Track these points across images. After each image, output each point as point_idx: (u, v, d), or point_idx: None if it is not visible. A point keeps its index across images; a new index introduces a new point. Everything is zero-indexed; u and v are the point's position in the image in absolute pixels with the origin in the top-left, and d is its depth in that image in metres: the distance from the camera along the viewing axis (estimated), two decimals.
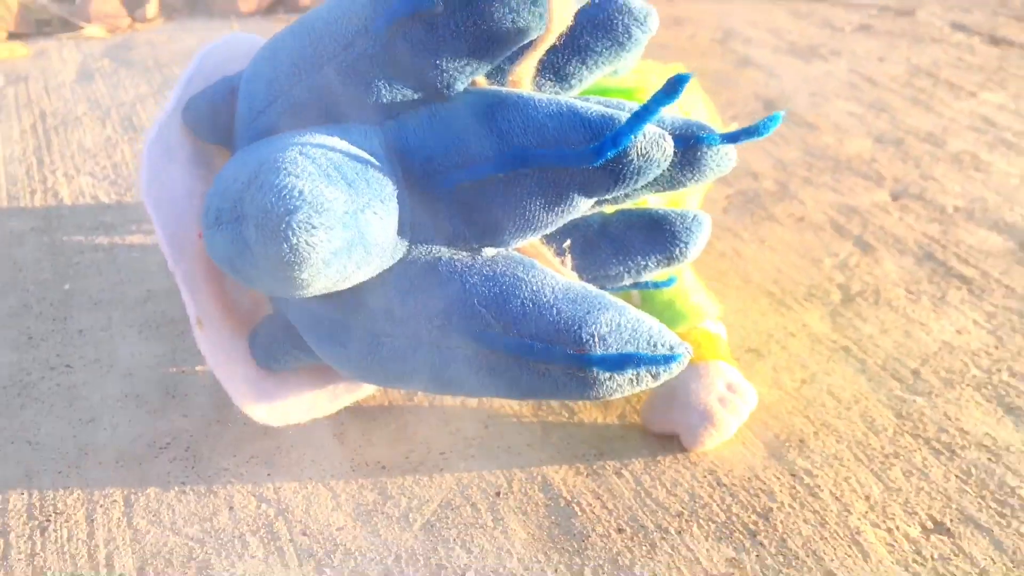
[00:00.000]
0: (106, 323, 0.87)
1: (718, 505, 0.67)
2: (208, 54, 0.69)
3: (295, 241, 0.50)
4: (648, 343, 0.58)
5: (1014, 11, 1.75)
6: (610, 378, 0.57)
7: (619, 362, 0.57)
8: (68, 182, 1.12)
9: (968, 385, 0.79)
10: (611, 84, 0.77)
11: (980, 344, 0.84)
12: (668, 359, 0.57)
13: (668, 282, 0.71)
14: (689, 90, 0.86)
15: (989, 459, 0.71)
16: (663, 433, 0.73)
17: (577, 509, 0.67)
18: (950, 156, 1.19)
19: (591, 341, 0.57)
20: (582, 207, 0.60)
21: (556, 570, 0.62)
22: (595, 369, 0.57)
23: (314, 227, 0.50)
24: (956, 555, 0.63)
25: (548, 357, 0.57)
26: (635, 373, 0.57)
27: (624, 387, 0.58)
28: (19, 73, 1.46)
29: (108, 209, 1.07)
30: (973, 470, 0.70)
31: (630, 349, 0.57)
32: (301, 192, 0.50)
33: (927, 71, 1.47)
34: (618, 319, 0.58)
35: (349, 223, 0.53)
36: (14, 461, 0.71)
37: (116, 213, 1.06)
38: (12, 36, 1.60)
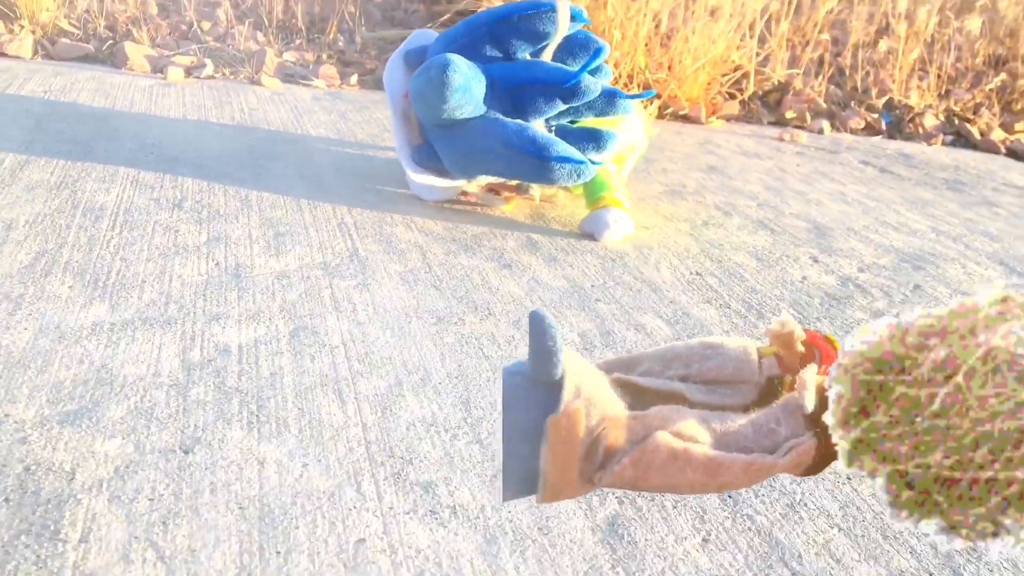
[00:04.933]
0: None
1: (600, 250, 1.50)
2: (415, 35, 1.64)
3: (447, 73, 1.40)
4: (576, 159, 1.45)
5: (912, 162, 2.62)
6: (559, 167, 1.44)
7: (563, 160, 1.44)
8: (314, 129, 2.08)
9: (746, 252, 1.60)
10: (600, 121, 1.67)
11: (761, 244, 1.65)
12: (582, 162, 1.45)
13: (600, 163, 1.58)
14: (637, 110, 1.77)
15: (738, 266, 1.52)
16: (587, 232, 1.57)
17: (539, 241, 1.51)
18: (805, 199, 2.03)
19: (555, 152, 1.44)
20: (560, 107, 1.49)
21: (523, 254, 1.45)
22: (553, 163, 1.44)
23: (454, 72, 1.41)
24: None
25: (536, 156, 1.45)
26: (570, 168, 1.44)
27: (565, 176, 1.46)
28: (278, 92, 2.49)
29: (334, 141, 2.01)
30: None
31: (570, 157, 1.45)
32: (452, 60, 1.42)
33: (823, 173, 2.33)
34: (566, 147, 1.46)
35: (466, 78, 1.43)
36: (288, 187, 1.60)
37: (338, 144, 2.00)
38: (270, 78, 2.65)
